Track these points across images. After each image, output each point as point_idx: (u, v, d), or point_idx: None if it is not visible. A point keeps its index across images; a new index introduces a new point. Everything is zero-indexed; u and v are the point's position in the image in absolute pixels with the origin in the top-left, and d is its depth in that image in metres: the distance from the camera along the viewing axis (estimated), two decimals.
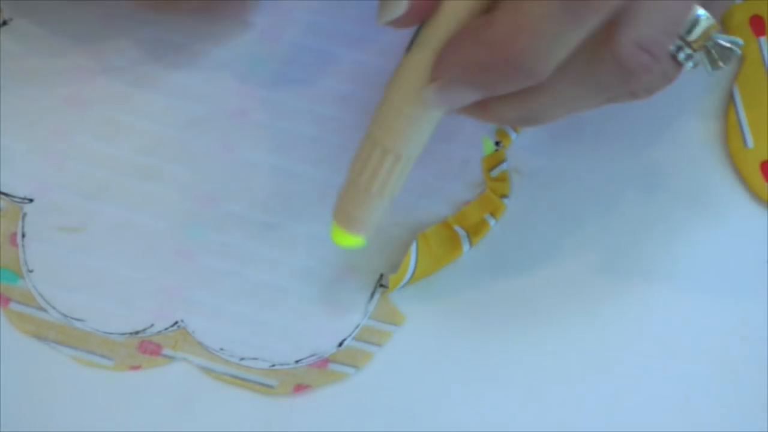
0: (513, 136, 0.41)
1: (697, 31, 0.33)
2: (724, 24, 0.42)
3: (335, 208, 0.37)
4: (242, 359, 0.39)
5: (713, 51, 0.34)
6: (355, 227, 0.37)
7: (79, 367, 0.39)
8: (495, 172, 0.41)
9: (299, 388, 0.38)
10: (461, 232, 0.40)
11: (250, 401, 0.38)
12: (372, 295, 0.39)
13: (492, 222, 0.40)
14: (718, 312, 0.40)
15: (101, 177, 0.40)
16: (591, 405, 0.39)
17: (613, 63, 0.32)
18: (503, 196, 0.40)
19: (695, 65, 0.34)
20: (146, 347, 0.39)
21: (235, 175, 0.40)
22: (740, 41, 0.34)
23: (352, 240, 0.37)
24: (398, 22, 0.34)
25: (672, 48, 0.33)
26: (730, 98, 0.42)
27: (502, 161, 0.41)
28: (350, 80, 0.41)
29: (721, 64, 0.34)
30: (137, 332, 0.39)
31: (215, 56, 0.41)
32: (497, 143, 0.41)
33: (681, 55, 0.33)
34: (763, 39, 0.42)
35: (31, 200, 0.40)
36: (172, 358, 0.39)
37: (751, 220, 0.41)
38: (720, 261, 0.40)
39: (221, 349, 0.39)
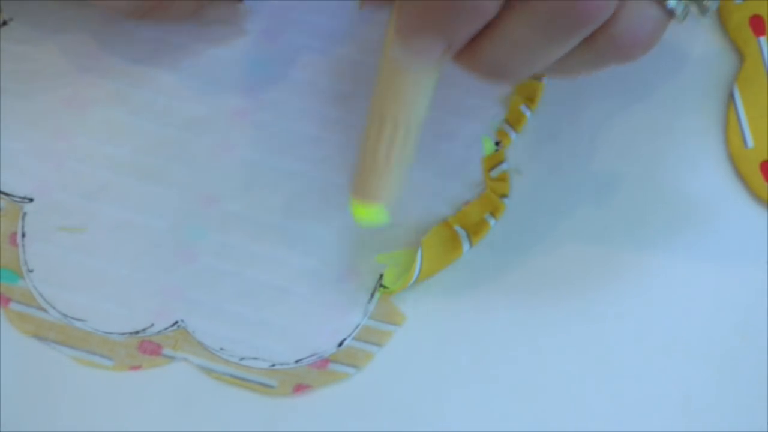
0: (513, 136, 0.41)
1: None
2: (724, 24, 0.42)
3: (353, 185, 0.37)
4: (242, 359, 0.39)
5: None
6: (374, 196, 0.37)
7: (79, 367, 0.38)
8: (495, 172, 0.41)
9: (299, 388, 0.38)
10: (461, 232, 0.40)
11: (250, 401, 0.38)
12: (372, 295, 0.39)
13: (492, 222, 0.40)
14: (718, 312, 0.40)
15: (101, 177, 0.40)
16: (591, 405, 0.39)
17: None
18: (503, 196, 0.40)
19: (685, 13, 0.34)
20: (146, 347, 0.39)
21: (235, 175, 0.40)
22: None
23: (373, 214, 0.37)
24: None
25: None
26: (730, 98, 0.42)
27: (502, 161, 0.41)
28: (350, 80, 0.41)
29: (709, 5, 0.34)
30: (137, 332, 0.39)
31: (215, 56, 0.41)
32: (497, 143, 0.41)
33: (670, 2, 0.33)
34: (763, 39, 0.42)
35: (31, 200, 0.40)
36: (172, 358, 0.39)
37: (751, 220, 0.41)
38: (720, 261, 0.40)
39: (221, 349, 0.39)
